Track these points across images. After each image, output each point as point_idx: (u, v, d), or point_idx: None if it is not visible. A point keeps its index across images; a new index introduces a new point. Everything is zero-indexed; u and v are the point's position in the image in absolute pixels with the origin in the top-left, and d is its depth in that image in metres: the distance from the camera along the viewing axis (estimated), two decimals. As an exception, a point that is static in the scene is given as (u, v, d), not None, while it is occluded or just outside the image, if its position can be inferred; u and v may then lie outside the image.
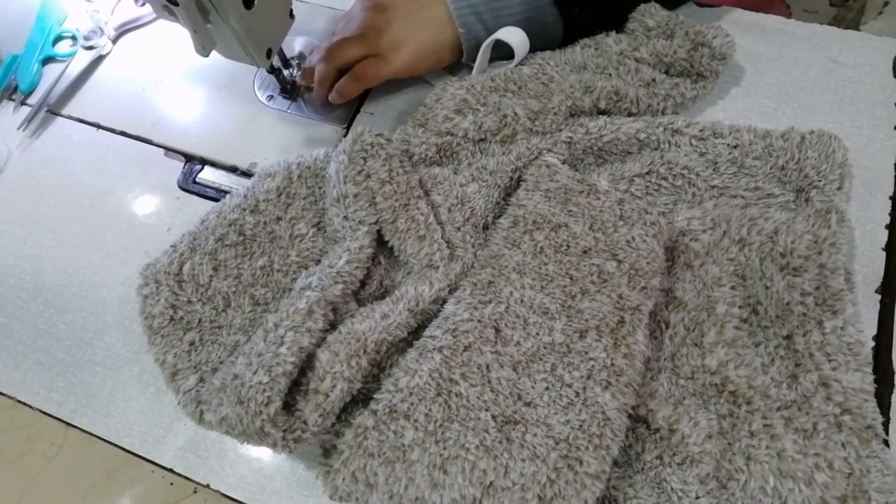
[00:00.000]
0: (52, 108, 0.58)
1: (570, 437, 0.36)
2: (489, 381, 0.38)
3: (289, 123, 0.55)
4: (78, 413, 0.45)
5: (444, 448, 0.36)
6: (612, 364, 0.38)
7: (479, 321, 0.40)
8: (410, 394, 0.38)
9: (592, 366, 0.38)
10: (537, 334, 0.40)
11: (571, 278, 0.41)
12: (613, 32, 0.53)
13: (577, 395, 0.38)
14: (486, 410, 0.37)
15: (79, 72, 0.59)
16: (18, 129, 0.57)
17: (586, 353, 0.39)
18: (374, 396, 0.39)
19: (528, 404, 0.38)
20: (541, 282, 0.41)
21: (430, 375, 0.38)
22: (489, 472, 0.36)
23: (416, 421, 0.37)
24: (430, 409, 0.37)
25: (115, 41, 0.62)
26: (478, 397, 0.38)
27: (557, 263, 0.42)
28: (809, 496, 0.36)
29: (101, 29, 0.61)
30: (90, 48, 0.60)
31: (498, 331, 0.40)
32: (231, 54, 0.46)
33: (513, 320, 0.40)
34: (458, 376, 0.38)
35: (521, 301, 0.41)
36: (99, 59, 0.61)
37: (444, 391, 0.38)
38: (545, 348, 0.39)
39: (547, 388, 0.38)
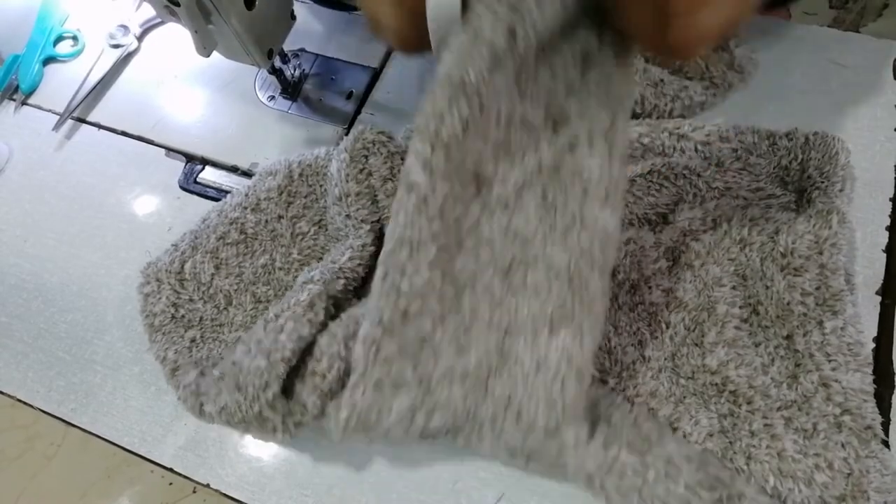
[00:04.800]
0: (54, 109, 0.58)
1: (570, 265, 0.34)
2: (484, 239, 0.35)
3: (290, 124, 0.55)
4: (78, 412, 0.45)
5: (463, 318, 0.35)
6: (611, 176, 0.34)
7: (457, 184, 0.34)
8: (417, 295, 0.34)
9: (588, 180, 0.34)
10: (523, 158, 0.34)
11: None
12: None
13: (574, 218, 0.34)
14: (490, 267, 0.35)
15: (103, 73, 0.59)
16: (53, 130, 0.56)
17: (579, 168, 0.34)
18: (365, 309, 0.35)
19: (525, 242, 0.35)
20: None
21: (429, 268, 0.33)
22: (504, 318, 0.34)
23: (431, 310, 0.34)
24: (441, 295, 0.34)
25: (140, 39, 0.61)
26: (477, 260, 0.35)
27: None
28: (809, 496, 0.36)
29: (126, 27, 0.61)
30: (117, 46, 0.60)
31: (478, 177, 0.34)
32: (232, 55, 0.47)
33: (493, 155, 0.34)
34: (455, 252, 0.35)
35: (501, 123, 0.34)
36: (103, 60, 0.60)
37: (448, 274, 0.34)
38: (533, 175, 0.35)
39: (540, 221, 0.35)
